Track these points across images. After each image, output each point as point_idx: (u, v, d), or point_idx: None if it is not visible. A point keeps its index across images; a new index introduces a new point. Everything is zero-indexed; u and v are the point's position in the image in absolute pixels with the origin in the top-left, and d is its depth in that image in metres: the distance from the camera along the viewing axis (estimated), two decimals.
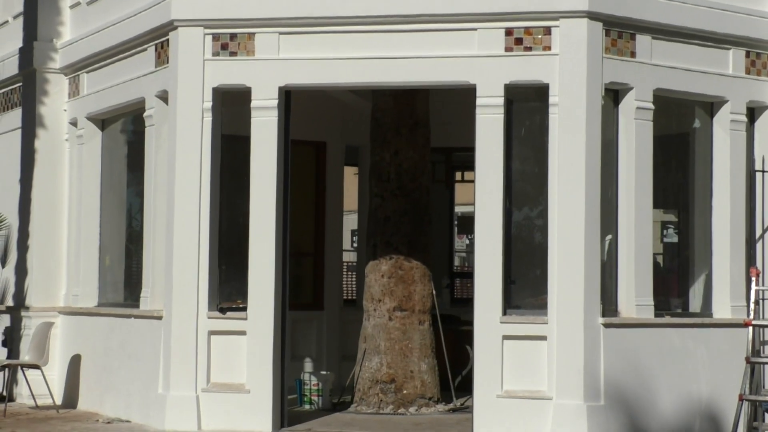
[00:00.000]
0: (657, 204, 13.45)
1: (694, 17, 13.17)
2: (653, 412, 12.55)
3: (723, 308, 13.41)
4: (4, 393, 15.43)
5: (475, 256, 12.75)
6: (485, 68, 12.54)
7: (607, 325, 12.33)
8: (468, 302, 13.63)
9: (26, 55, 16.23)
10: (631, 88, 12.83)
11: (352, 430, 12.90)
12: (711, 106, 13.72)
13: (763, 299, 12.41)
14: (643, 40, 12.89)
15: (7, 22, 17.42)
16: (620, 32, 12.70)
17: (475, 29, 12.59)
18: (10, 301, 16.52)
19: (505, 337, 12.37)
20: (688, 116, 14.07)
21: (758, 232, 13.76)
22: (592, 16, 12.33)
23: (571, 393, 12.10)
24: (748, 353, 11.54)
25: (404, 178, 14.57)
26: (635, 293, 12.76)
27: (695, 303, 14.07)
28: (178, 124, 13.14)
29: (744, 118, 13.76)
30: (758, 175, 13.67)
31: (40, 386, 15.06)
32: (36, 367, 15.03)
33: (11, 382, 15.50)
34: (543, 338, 12.30)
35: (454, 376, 14.48)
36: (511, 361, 12.35)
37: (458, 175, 18.13)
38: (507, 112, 12.59)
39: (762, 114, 14.02)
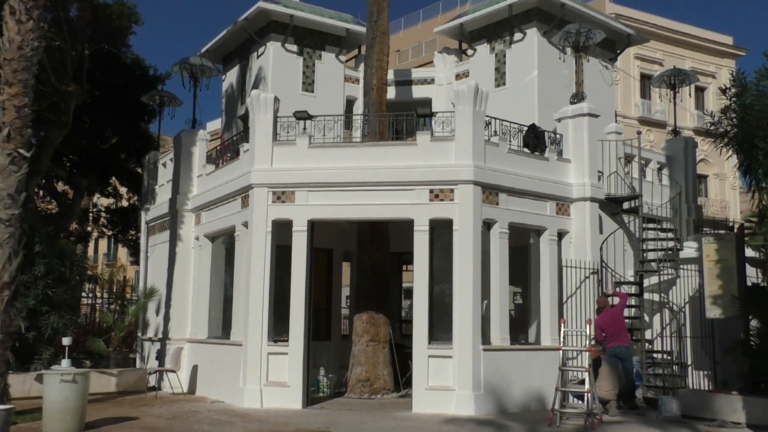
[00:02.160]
0: (511, 282, 13.48)
1: (528, 184, 13.40)
2: (510, 397, 12.49)
3: (546, 340, 13.35)
4: (156, 386, 15.16)
5: (414, 311, 12.71)
6: (419, 210, 12.66)
7: (485, 350, 12.33)
8: (410, 337, 13.46)
9: (173, 202, 16.19)
10: (497, 222, 12.96)
11: (346, 407, 12.64)
12: (539, 232, 13.80)
13: (567, 336, 12.35)
14: (502, 196, 13.05)
15: (163, 184, 17.38)
16: (490, 191, 12.87)
17: (413, 189, 12.74)
18: (159, 335, 16.22)
19: (430, 356, 12.36)
20: (527, 236, 14.06)
21: (564, 298, 13.79)
22: (476, 183, 12.56)
23: (465, 387, 12.05)
24: (559, 365, 11.49)
25: (375, 269, 14.45)
26: (500, 332, 12.74)
27: (532, 337, 14.04)
28: (253, 240, 13.13)
29: (556, 238, 13.86)
30: (564, 269, 13.73)
31: (175, 382, 14.75)
32: (173, 371, 14.88)
33: (159, 379, 15.21)
34: (450, 357, 12.24)
35: (402, 378, 14.23)
36: (433, 370, 12.31)
37: (405, 267, 17.94)
38: (431, 234, 12.67)
39: (564, 236, 14.02)
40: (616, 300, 13.33)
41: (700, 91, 35.08)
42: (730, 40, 37.24)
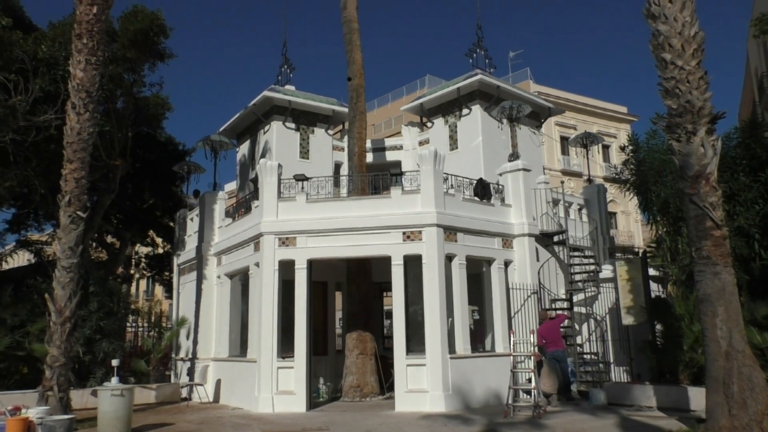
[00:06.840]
0: (470, 302, 13.31)
1: (479, 224, 13.43)
2: (472, 395, 12.27)
3: (500, 348, 13.22)
4: (187, 397, 14.70)
5: (393, 329, 12.53)
6: (395, 248, 12.60)
7: (451, 358, 12.16)
8: (391, 349, 13.28)
9: (199, 249, 16.00)
10: (456, 255, 12.90)
11: (341, 409, 12.37)
12: (490, 262, 13.76)
13: (515, 344, 12.26)
14: (460, 235, 13.04)
15: (190, 235, 17.22)
16: (450, 232, 12.86)
17: (389, 232, 12.69)
18: (190, 355, 15.82)
19: (408, 365, 12.15)
20: (480, 266, 13.98)
21: (512, 314, 13.67)
22: (438, 225, 12.55)
23: (437, 388, 11.84)
24: (511, 368, 11.39)
25: (361, 296, 14.31)
26: (463, 343, 12.59)
27: (488, 346, 13.80)
28: (263, 277, 12.95)
29: (503, 267, 13.83)
30: (510, 291, 13.67)
31: (203, 394, 14.43)
32: (201, 384, 14.52)
33: (190, 392, 14.76)
34: (424, 365, 12.04)
35: (386, 383, 13.98)
36: (410, 376, 12.09)
37: (385, 294, 17.72)
38: (404, 267, 12.59)
39: (509, 265, 13.99)
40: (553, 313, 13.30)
41: (605, 148, 35.73)
42: (624, 109, 38.18)
